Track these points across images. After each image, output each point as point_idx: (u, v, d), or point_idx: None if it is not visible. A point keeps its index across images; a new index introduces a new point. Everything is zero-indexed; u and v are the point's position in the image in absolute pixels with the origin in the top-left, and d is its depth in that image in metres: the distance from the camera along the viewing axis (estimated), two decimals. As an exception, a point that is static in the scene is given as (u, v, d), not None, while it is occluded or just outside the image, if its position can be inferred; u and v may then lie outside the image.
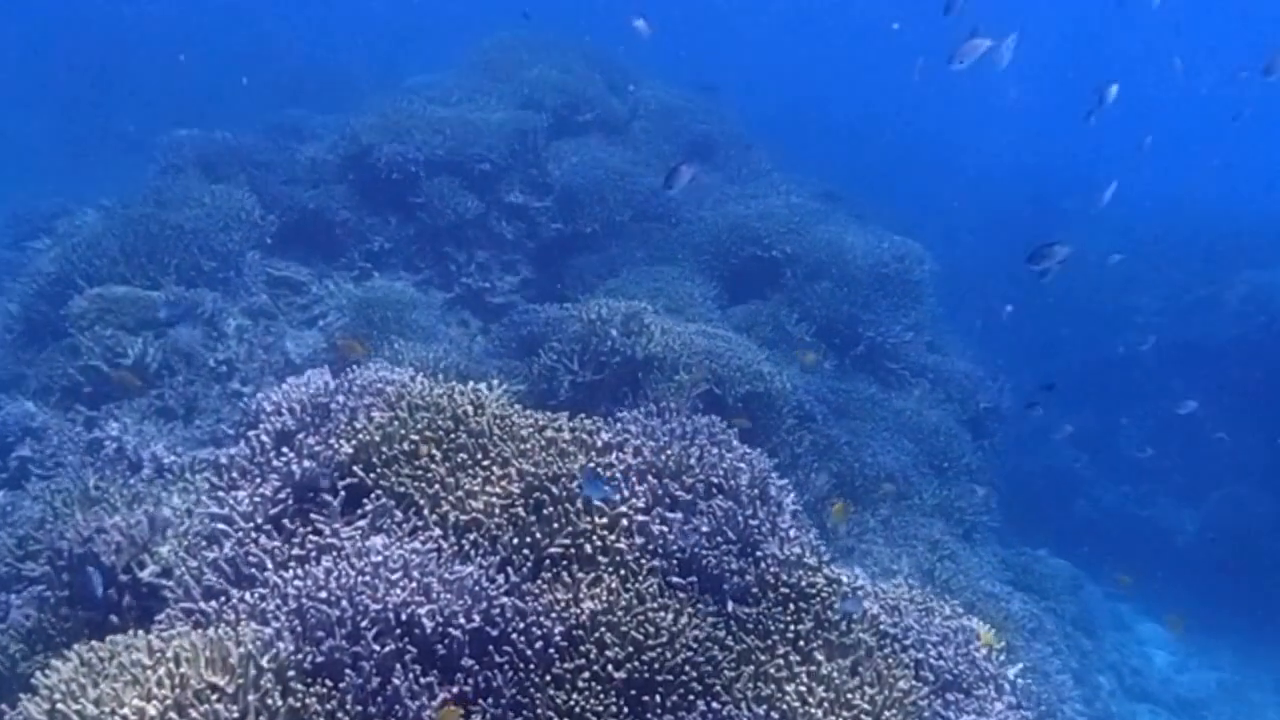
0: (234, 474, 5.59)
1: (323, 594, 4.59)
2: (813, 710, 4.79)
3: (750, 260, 11.26)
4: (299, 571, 4.79)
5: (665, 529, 5.22)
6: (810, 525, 6.06)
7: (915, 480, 10.03)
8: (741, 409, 8.53)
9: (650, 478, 5.42)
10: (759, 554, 5.39)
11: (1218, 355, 15.97)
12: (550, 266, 11.55)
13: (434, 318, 10.45)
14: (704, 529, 5.31)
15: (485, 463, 5.34)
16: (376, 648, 4.43)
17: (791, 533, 5.62)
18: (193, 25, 22.93)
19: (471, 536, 5.05)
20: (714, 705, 4.74)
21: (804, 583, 5.36)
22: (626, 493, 5.31)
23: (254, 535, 5.12)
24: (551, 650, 4.68)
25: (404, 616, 4.57)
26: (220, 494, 5.47)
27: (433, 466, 5.29)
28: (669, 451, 5.57)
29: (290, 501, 5.28)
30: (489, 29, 14.70)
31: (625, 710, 4.62)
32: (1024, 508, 13.07)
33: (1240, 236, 17.23)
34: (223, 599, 4.90)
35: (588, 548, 5.06)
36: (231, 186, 11.17)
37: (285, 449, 5.47)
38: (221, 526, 5.25)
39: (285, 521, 5.19)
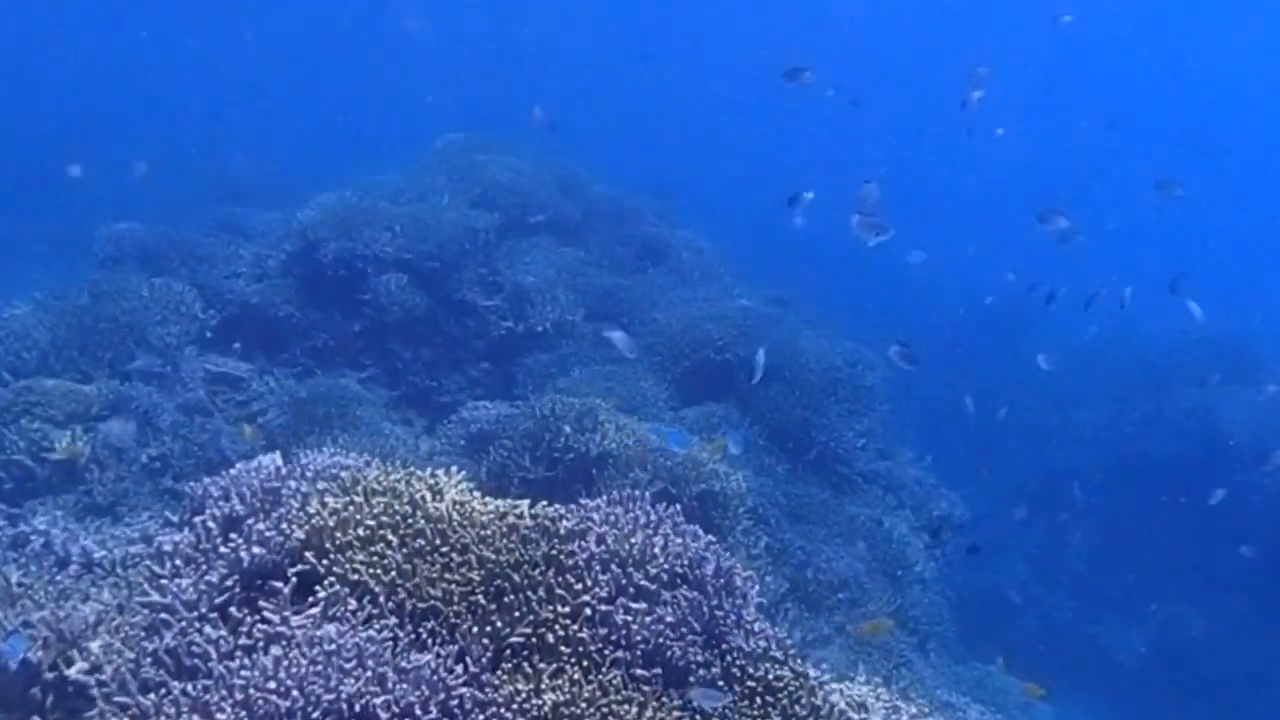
0: (177, 561, 5.30)
1: (272, 684, 4.33)
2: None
3: (703, 363, 11.19)
4: (246, 661, 4.52)
5: (629, 619, 5.01)
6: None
7: (869, 587, 9.89)
8: (696, 508, 8.36)
9: (614, 566, 5.22)
10: (725, 646, 5.21)
11: (1160, 471, 16.09)
12: (500, 365, 11.39)
13: (378, 415, 10.22)
14: (669, 619, 5.11)
15: (444, 549, 5.11)
16: (329, 739, 4.15)
17: (757, 625, 5.44)
18: (127, 124, 22.83)
19: (429, 625, 4.81)
20: (684, 804, 4.49)
21: (771, 676, 5.18)
22: (589, 581, 5.10)
23: (198, 625, 4.84)
24: (514, 744, 4.43)
25: (358, 707, 4.31)
26: (162, 582, 5.18)
27: (389, 552, 5.06)
28: (633, 540, 5.38)
29: (238, 589, 5.01)
30: (439, 131, 14.72)
31: (591, 808, 4.37)
32: (975, 620, 12.92)
33: (1181, 353, 17.50)
34: (162, 692, 4.59)
35: (550, 637, 4.85)
36: (171, 279, 10.95)
37: (233, 535, 5.22)
38: (163, 616, 4.96)
39: (232, 610, 4.91)
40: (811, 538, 9.90)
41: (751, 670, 5.15)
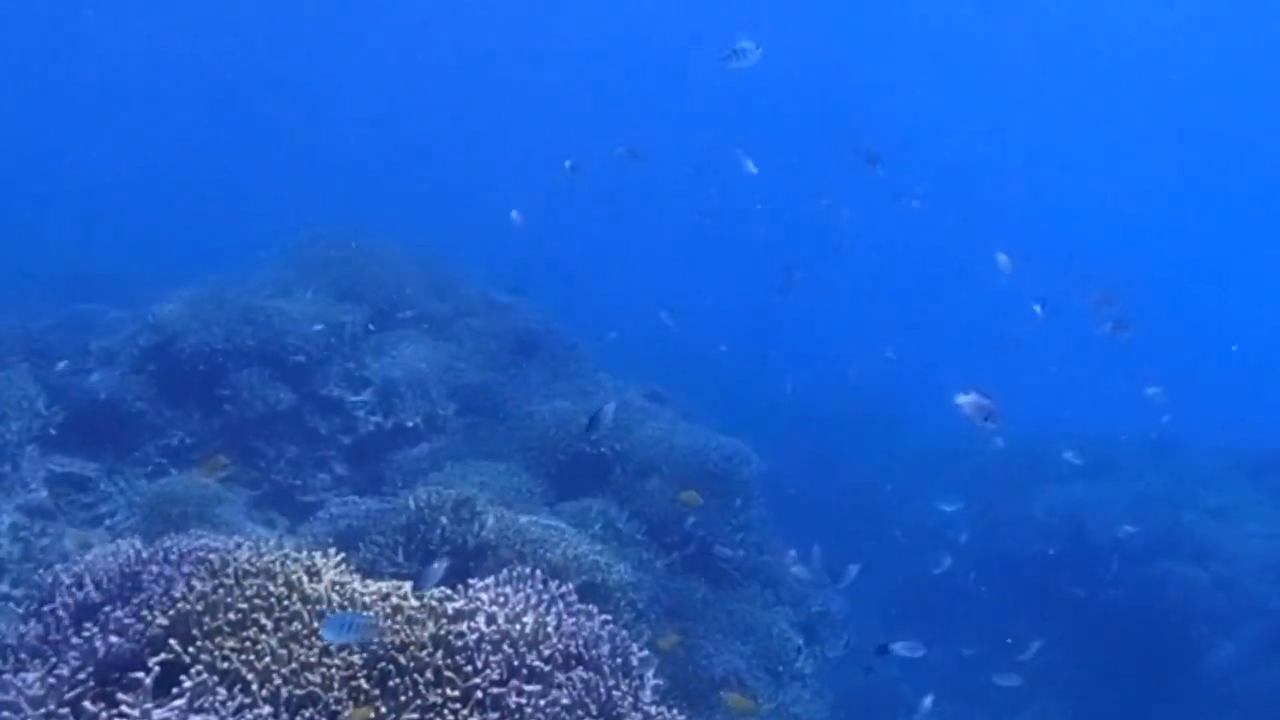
0: (22, 655, 4.84)
1: (132, 779, 3.91)
2: None
3: (579, 457, 10.96)
4: (101, 756, 4.09)
5: (523, 702, 4.72)
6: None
7: (750, 684, 9.66)
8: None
9: (505, 647, 4.93)
10: (624, 730, 4.93)
11: (1022, 569, 16.29)
12: (368, 462, 10.98)
13: (240, 515, 9.70)
14: (564, 701, 4.84)
15: (322, 632, 4.76)
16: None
17: (653, 709, 5.19)
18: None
19: (307, 713, 4.46)
20: None
21: (672, 761, 4.92)
22: (480, 663, 4.80)
23: (45, 720, 4.38)
24: (404, 837, 4.07)
25: (231, 801, 3.91)
26: (4, 678, 4.70)
27: (263, 637, 4.69)
28: (525, 619, 5.11)
29: (92, 683, 4.57)
30: (305, 226, 14.41)
31: None
32: (850, 717, 12.76)
33: (1041, 451, 17.87)
34: (2, 795, 4.13)
35: (439, 723, 4.52)
36: (12, 373, 10.35)
37: (88, 624, 4.78)
38: (4, 715, 4.47)
39: (86, 704, 4.46)
40: (691, 634, 9.66)
41: (651, 755, 4.89)
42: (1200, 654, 14.62)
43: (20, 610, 5.40)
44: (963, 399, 7.88)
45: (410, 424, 11.19)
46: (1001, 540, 16.95)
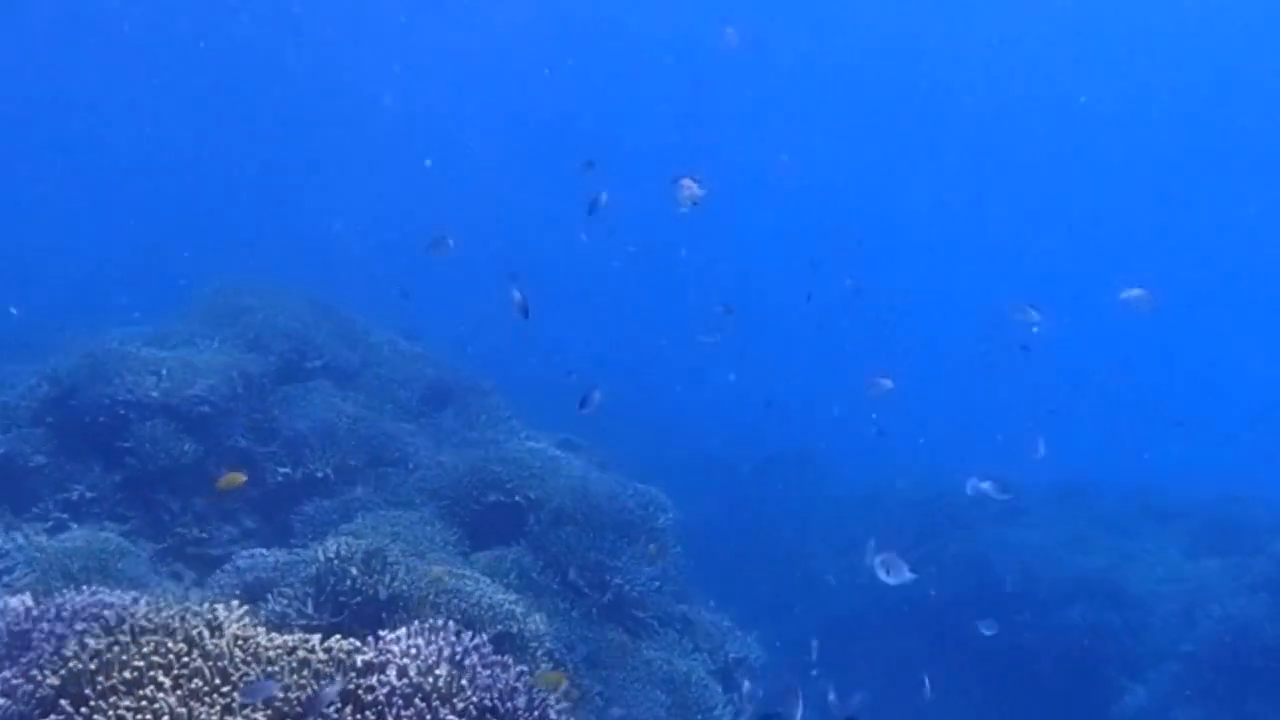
0: (-99, 719, 4.58)
1: None
2: None
3: (493, 506, 10.79)
4: (-13, 824, 3.87)
5: (437, 758, 4.57)
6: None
7: (670, 733, 9.55)
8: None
9: (418, 701, 4.79)
10: (542, 785, 4.81)
11: (937, 612, 16.34)
12: (277, 514, 10.70)
13: (144, 569, 9.39)
14: (480, 758, 4.69)
15: (225, 689, 4.59)
16: None
17: (573, 763, 5.07)
18: None
19: (208, 774, 4.26)
20: None
21: (592, 816, 4.79)
22: (391, 718, 4.65)
23: (-73, 787, 4.15)
24: None
25: None
26: (-120, 746, 4.45)
27: (160, 695, 4.50)
28: (438, 672, 4.97)
29: (-24, 745, 4.35)
30: (206, 278, 14.10)
31: None
32: (769, 769, 12.67)
33: (950, 498, 18.03)
34: None
35: (348, 782, 4.36)
36: (-100, 431, 9.98)
37: (-28, 685, 4.55)
38: (-118, 783, 4.24)
39: (-31, 769, 4.25)
40: (610, 683, 9.53)
41: (569, 809, 4.76)
42: (1112, 698, 14.73)
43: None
44: (982, 484, 9.04)
45: (320, 474, 10.94)
46: (911, 586, 16.98)
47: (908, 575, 8.55)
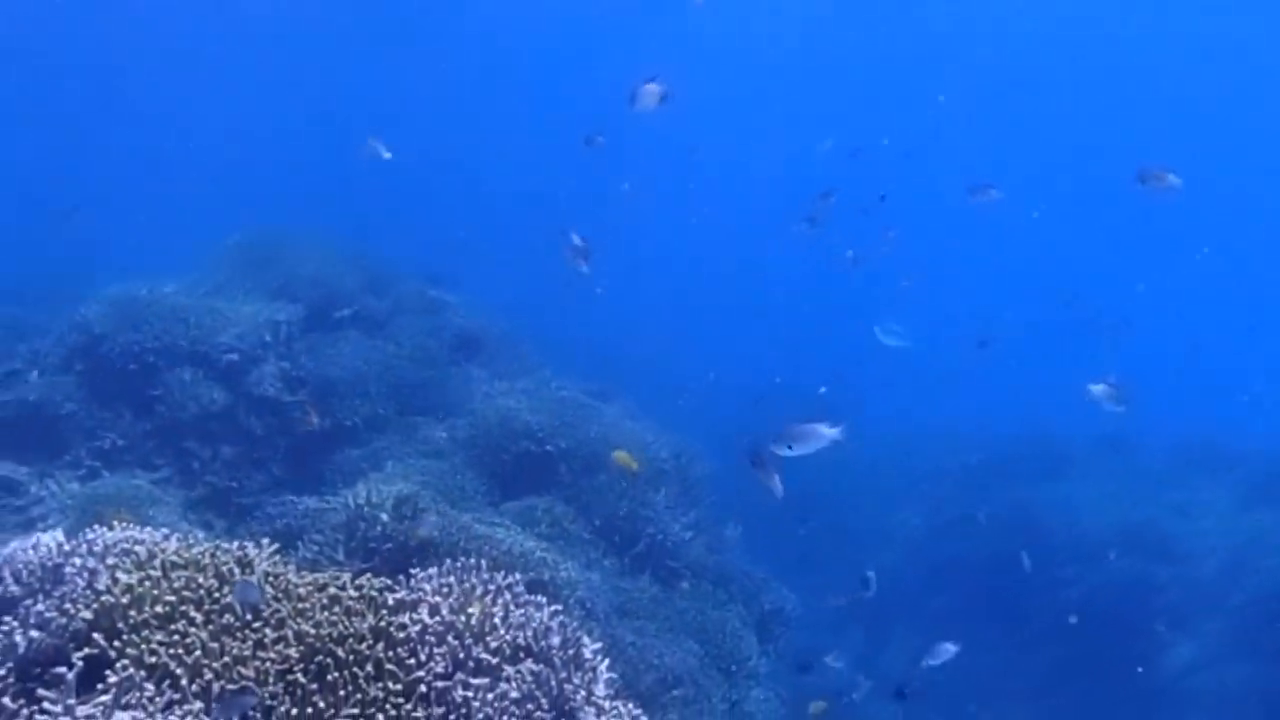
0: (-65, 652, 4.55)
1: (50, 780, 3.65)
2: None
3: (523, 455, 10.74)
4: (19, 756, 3.83)
5: (469, 695, 4.50)
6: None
7: (703, 683, 9.48)
8: (526, 599, 7.88)
9: (450, 639, 4.71)
10: (575, 724, 4.73)
11: (976, 571, 16.18)
12: (306, 463, 10.69)
13: (175, 517, 9.39)
14: (513, 695, 4.61)
15: (256, 624, 4.52)
16: (121, 839, 3.50)
17: (607, 703, 4.98)
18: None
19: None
20: None
21: (628, 756, 4.72)
22: (424, 656, 4.57)
23: (-40, 719, 4.11)
24: (343, 837, 3.84)
25: (157, 801, 3.66)
26: (-85, 676, 4.42)
27: (192, 630, 4.43)
28: (470, 610, 4.89)
29: (11, 679, 4.30)
30: (234, 226, 14.03)
31: None
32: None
33: (993, 452, 17.86)
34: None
35: (380, 718, 4.29)
36: (-66, 377, 10.03)
37: (6, 618, 4.51)
38: (-81, 714, 4.20)
39: (6, 701, 4.20)
40: (642, 633, 9.46)
41: (606, 749, 4.69)
42: (1159, 653, 14.58)
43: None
44: (1095, 388, 8.45)
45: (349, 423, 10.92)
46: (953, 541, 16.84)
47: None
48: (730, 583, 10.93)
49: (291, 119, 39.29)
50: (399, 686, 4.42)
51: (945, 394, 22.98)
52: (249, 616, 4.55)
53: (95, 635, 4.41)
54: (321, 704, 4.26)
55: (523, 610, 5.08)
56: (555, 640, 4.99)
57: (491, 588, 5.17)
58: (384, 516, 7.87)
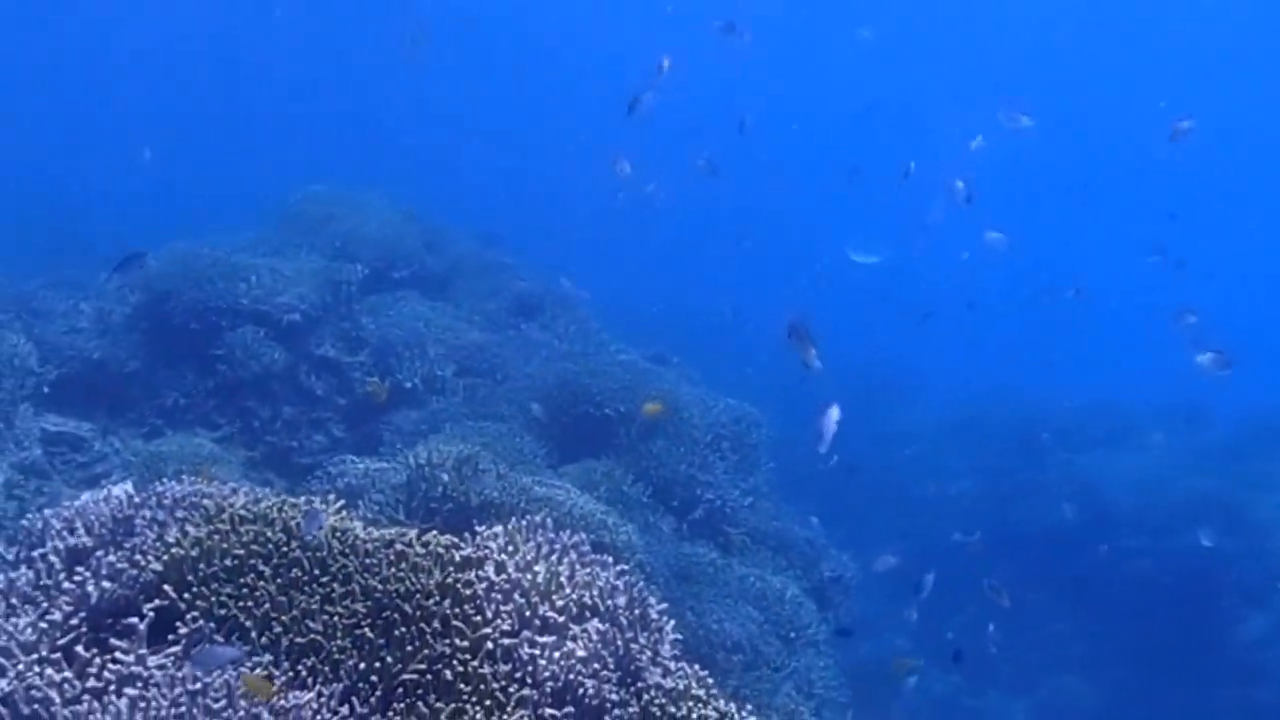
0: (13, 600, 4.57)
1: (124, 728, 3.66)
2: None
3: (582, 418, 10.70)
4: (95, 705, 3.85)
5: (536, 653, 4.46)
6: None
7: (763, 649, 9.43)
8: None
9: (516, 596, 4.67)
10: (641, 683, 4.69)
11: (1038, 541, 15.96)
12: (365, 424, 10.72)
13: (236, 475, 9.43)
14: (579, 654, 4.57)
15: (324, 579, 4.52)
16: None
17: (674, 663, 4.93)
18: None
19: (309, 662, 4.21)
20: None
21: (694, 716, 4.65)
22: (490, 613, 4.54)
23: (38, 667, 4.12)
24: (412, 791, 3.82)
25: (229, 750, 3.66)
26: (-6, 623, 4.44)
27: (261, 584, 4.44)
28: (536, 568, 4.85)
29: (85, 628, 4.33)
30: (294, 186, 14.04)
31: None
32: (858, 688, 12.54)
33: (1055, 420, 17.59)
34: (-8, 744, 3.89)
35: (447, 674, 4.26)
36: (5, 332, 10.09)
37: (79, 569, 4.53)
38: (-2, 661, 4.22)
39: (79, 650, 4.22)
40: (701, 598, 9.42)
41: (672, 710, 4.63)
42: (1229, 626, 14.34)
43: (11, 556, 5.13)
44: (1202, 358, 8.84)
45: (408, 385, 10.92)
46: (1015, 511, 16.59)
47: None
48: (789, 549, 10.84)
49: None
50: (466, 643, 4.39)
51: (1008, 361, 22.71)
52: (316, 571, 4.54)
53: (165, 587, 4.42)
54: (389, 659, 4.25)
55: (588, 569, 5.04)
56: (621, 600, 4.94)
57: (557, 546, 5.13)
58: (445, 476, 7.86)
